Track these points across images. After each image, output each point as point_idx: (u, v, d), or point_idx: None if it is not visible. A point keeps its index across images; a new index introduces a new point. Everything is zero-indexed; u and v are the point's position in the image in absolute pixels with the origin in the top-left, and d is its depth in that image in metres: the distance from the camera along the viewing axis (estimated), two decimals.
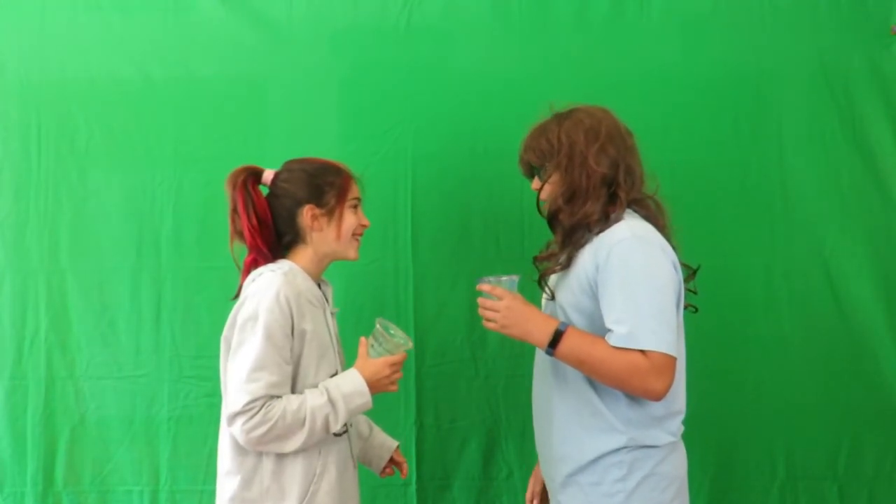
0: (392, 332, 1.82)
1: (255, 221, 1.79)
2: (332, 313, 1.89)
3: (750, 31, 2.48)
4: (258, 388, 1.67)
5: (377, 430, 2.08)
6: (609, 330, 1.66)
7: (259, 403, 1.66)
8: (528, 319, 1.72)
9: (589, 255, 1.72)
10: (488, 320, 1.76)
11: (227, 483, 1.77)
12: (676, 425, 1.77)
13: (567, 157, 1.76)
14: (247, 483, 1.75)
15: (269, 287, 1.72)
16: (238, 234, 1.82)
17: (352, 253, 1.88)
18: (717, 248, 2.40)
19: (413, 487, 2.43)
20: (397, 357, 1.80)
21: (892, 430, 2.44)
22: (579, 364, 1.70)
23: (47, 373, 2.40)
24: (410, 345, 1.84)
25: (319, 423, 1.71)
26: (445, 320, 2.44)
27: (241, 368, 1.69)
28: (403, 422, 2.41)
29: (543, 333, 1.70)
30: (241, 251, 1.84)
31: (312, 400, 1.71)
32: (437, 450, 2.45)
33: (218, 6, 2.46)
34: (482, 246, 2.46)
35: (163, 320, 2.42)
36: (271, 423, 1.67)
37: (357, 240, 1.89)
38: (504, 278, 1.78)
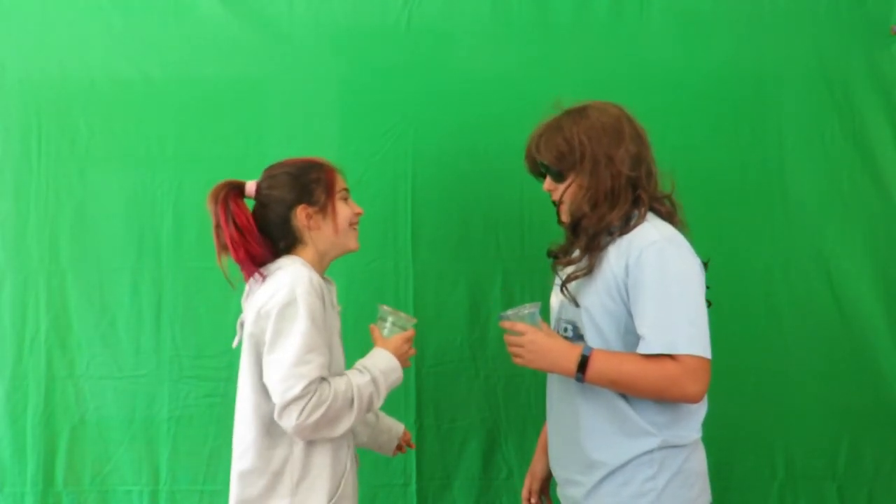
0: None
1: (235, 233, 1.76)
2: (337, 311, 1.88)
3: (750, 31, 2.48)
4: (312, 371, 1.64)
5: (382, 414, 2.08)
6: (641, 335, 1.63)
7: (314, 387, 1.64)
8: (551, 351, 1.70)
9: (615, 258, 1.68)
10: (515, 356, 1.74)
11: (251, 480, 1.73)
12: (700, 421, 1.75)
13: (592, 160, 1.70)
14: (277, 477, 1.72)
15: (297, 274, 1.70)
16: (224, 248, 1.79)
17: (352, 243, 1.88)
18: (717, 248, 2.38)
19: (413, 487, 2.43)
20: (410, 333, 1.86)
21: (892, 430, 2.44)
22: (612, 384, 1.67)
23: (47, 373, 2.40)
24: (415, 320, 1.89)
25: (365, 401, 1.71)
26: (445, 320, 2.44)
27: (288, 354, 1.64)
28: (403, 422, 2.38)
29: (569, 361, 1.67)
30: (231, 267, 1.81)
31: (356, 379, 1.71)
32: (437, 450, 2.45)
33: (218, 6, 2.46)
34: (482, 246, 2.45)
35: (163, 320, 2.42)
36: (326, 404, 1.64)
37: (355, 229, 1.88)
38: (525, 311, 1.75)
